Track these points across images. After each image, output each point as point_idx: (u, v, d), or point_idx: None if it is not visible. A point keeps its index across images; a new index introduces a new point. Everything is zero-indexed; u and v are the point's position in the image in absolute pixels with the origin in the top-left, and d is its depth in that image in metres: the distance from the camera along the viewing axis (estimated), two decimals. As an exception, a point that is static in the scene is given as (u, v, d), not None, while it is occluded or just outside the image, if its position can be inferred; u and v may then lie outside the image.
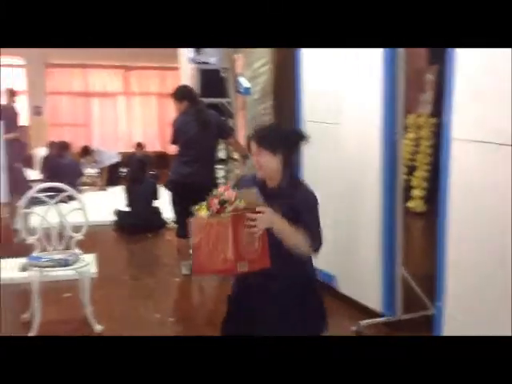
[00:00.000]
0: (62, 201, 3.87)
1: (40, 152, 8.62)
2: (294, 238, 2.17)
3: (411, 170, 7.34)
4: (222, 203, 2.11)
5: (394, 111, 3.43)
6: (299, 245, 2.18)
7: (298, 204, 2.26)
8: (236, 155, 5.07)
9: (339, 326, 3.62)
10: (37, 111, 10.45)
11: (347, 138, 3.82)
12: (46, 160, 7.86)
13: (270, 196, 2.25)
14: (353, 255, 3.83)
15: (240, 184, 2.46)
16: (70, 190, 3.83)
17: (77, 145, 9.17)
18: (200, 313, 4.20)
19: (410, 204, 7.06)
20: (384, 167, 3.49)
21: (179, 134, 4.30)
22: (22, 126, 7.07)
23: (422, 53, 6.89)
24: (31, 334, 3.41)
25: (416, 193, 7.19)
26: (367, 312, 3.66)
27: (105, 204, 6.71)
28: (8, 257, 4.78)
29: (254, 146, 2.29)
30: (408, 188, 7.18)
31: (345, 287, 3.94)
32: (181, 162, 4.27)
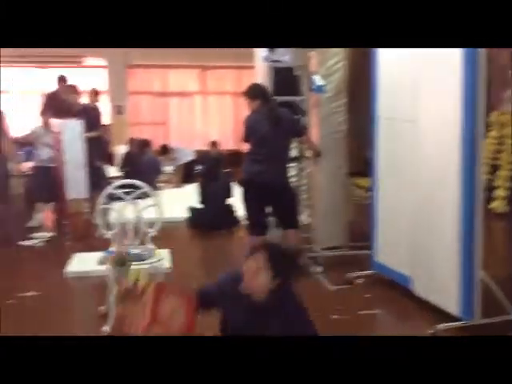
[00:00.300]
0: (139, 197, 3.98)
1: (121, 149, 8.94)
2: None
3: (494, 169, 7.00)
4: None
5: (474, 109, 3.27)
6: None
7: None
8: (309, 153, 5.02)
9: (415, 329, 3.52)
10: (118, 110, 10.85)
11: (425, 136, 3.69)
12: (127, 157, 8.13)
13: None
14: (430, 257, 3.70)
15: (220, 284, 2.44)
16: (145, 187, 3.94)
17: (155, 142, 9.43)
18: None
19: (493, 204, 6.74)
20: (463, 167, 3.34)
21: (251, 132, 4.31)
22: (104, 125, 7.36)
23: (506, 49, 6.54)
24: (107, 326, 3.53)
25: (499, 193, 6.86)
26: (444, 315, 3.53)
27: (179, 201, 6.86)
28: (89, 251, 5.00)
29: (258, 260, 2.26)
30: (490, 188, 6.86)
31: (421, 289, 3.81)
32: (252, 160, 4.28)
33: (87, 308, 4.12)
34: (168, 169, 9.05)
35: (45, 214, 6.17)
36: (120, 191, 3.92)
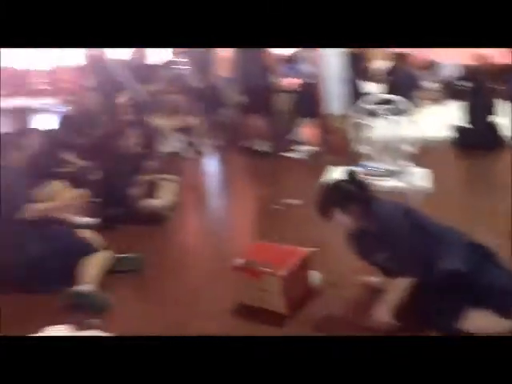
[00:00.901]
0: (397, 113, 3.92)
1: (380, 64, 8.77)
2: None
3: None
4: None
5: None
6: None
7: None
8: None
9: None
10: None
11: None
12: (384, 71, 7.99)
13: None
14: None
15: None
16: (403, 103, 3.85)
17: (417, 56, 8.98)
18: None
19: None
20: None
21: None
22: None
23: None
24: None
25: None
26: None
27: (442, 119, 6.52)
28: (345, 165, 5.14)
29: None
30: None
31: None
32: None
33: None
34: (430, 85, 8.60)
35: (307, 129, 6.55)
36: (375, 106, 3.91)
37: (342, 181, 2.69)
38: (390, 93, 5.60)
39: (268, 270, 2.85)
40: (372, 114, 3.96)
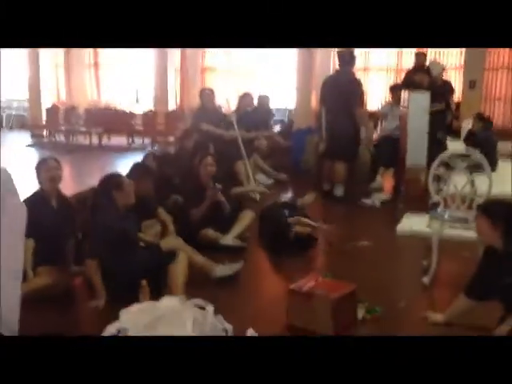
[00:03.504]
0: (473, 168, 4.08)
1: (466, 124, 8.86)
2: None
3: None
4: None
5: None
6: None
7: None
8: None
9: None
10: (472, 85, 10.68)
11: None
12: (470, 132, 8.10)
13: None
14: None
15: None
16: (481, 159, 3.98)
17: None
18: None
19: None
20: None
21: None
22: (451, 99, 7.50)
23: None
24: (427, 277, 3.83)
25: None
26: None
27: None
28: (420, 213, 5.29)
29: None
30: None
31: None
32: None
33: (411, 261, 4.52)
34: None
35: (385, 178, 6.79)
36: (454, 160, 4.08)
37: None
38: (469, 148, 5.72)
39: (321, 292, 3.13)
40: (450, 167, 4.13)
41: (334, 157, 6.42)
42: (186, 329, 2.38)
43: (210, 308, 2.57)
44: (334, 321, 3.08)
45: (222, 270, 3.85)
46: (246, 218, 4.87)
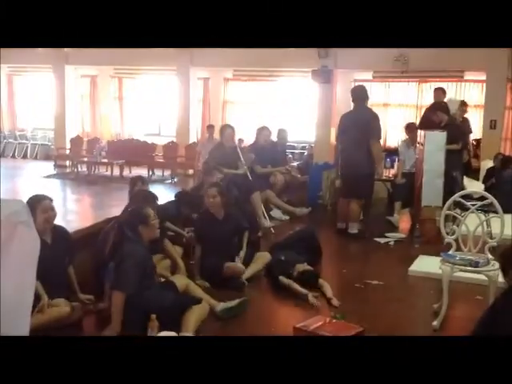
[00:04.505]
0: (485, 209, 4.06)
1: (486, 164, 8.81)
2: None
3: None
4: None
5: None
6: None
7: None
8: None
9: None
10: (492, 124, 10.62)
11: None
12: (489, 171, 8.03)
13: None
14: None
15: None
16: (494, 201, 3.94)
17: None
18: None
19: None
20: None
21: None
22: (467, 138, 7.51)
23: None
24: (436, 322, 3.78)
25: None
26: None
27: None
28: (435, 255, 5.25)
29: None
30: None
31: None
32: None
33: (422, 303, 4.44)
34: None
35: (401, 217, 6.76)
36: (467, 201, 4.07)
37: None
38: (486, 190, 5.71)
39: (325, 333, 3.11)
40: (465, 208, 4.11)
41: (348, 195, 6.41)
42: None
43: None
44: None
45: (223, 305, 3.88)
46: (262, 259, 4.90)
